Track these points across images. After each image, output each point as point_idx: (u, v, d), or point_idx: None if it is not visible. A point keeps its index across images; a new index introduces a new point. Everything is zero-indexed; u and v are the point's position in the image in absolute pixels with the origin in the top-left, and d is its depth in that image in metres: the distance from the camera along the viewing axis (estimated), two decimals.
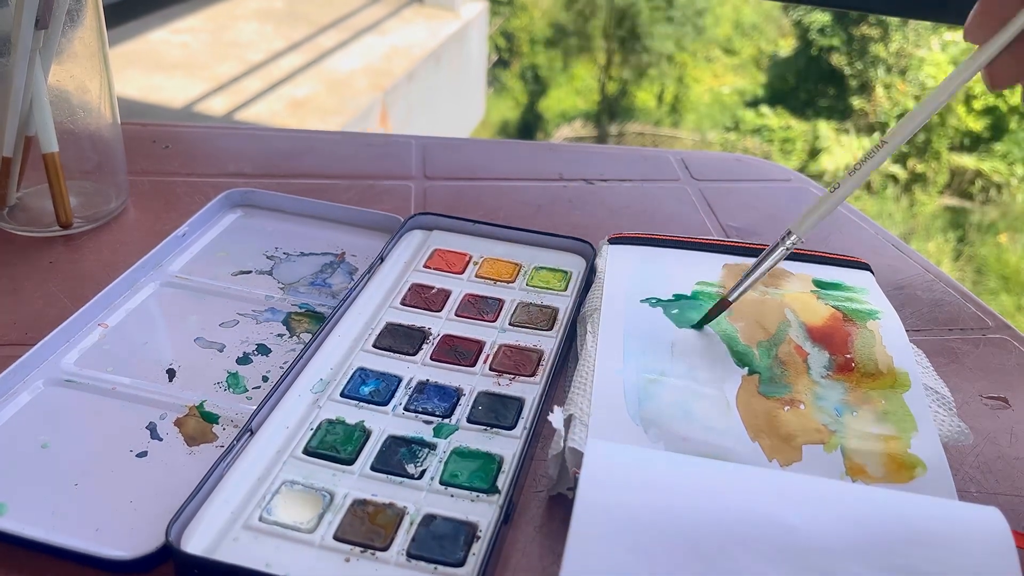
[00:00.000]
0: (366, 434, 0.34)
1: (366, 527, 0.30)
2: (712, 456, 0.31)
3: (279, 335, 0.40)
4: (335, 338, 0.38)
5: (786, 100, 4.50)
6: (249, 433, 0.33)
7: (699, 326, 0.38)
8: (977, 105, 4.02)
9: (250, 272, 0.45)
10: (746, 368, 0.36)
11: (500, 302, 0.42)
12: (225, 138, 0.60)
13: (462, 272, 0.44)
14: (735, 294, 0.37)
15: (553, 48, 4.83)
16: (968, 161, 4.01)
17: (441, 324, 0.41)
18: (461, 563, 0.29)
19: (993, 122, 4.02)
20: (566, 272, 0.45)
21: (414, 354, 0.38)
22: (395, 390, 0.36)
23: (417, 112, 3.22)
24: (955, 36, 4.18)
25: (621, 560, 0.26)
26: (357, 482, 0.32)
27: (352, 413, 0.35)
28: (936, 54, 4.24)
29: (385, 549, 0.29)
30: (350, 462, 0.32)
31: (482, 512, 0.31)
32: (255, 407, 0.34)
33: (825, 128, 4.25)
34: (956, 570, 0.26)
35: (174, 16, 3.13)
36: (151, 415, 0.35)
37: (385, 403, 0.35)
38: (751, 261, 0.44)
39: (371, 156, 0.58)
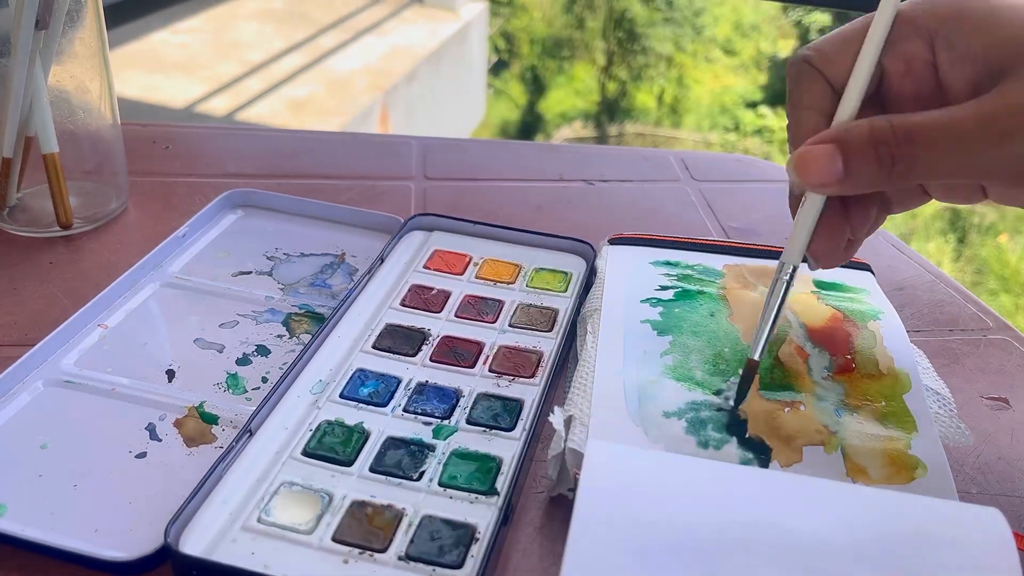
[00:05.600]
0: (365, 435, 0.34)
1: (365, 528, 0.30)
2: (712, 457, 0.31)
3: (279, 336, 0.40)
4: (335, 339, 0.38)
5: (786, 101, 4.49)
6: (248, 434, 0.33)
7: (738, 402, 0.34)
8: None
9: (250, 273, 0.45)
10: None
11: (500, 303, 0.42)
12: (225, 138, 0.60)
13: (462, 273, 0.44)
14: (757, 351, 0.33)
15: (551, 58, 4.83)
16: None
17: (441, 325, 0.40)
18: (460, 565, 0.29)
19: None
20: (566, 273, 0.45)
21: (414, 355, 0.38)
22: (394, 391, 0.36)
23: (417, 112, 3.22)
24: None
25: (621, 561, 0.26)
26: (356, 483, 0.32)
27: (351, 414, 0.35)
28: None
29: (384, 551, 0.29)
30: (349, 463, 0.32)
31: (481, 514, 0.31)
32: (254, 408, 0.34)
33: None
34: (957, 571, 0.26)
35: (174, 16, 3.13)
36: (150, 416, 0.35)
37: (384, 404, 0.35)
38: (751, 262, 0.44)
39: (371, 156, 0.58)
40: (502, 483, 0.32)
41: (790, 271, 0.33)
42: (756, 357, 0.33)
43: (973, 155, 0.28)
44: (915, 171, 0.28)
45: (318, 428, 0.34)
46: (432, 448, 0.33)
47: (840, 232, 0.32)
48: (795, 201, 0.33)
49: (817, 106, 0.32)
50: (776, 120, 4.42)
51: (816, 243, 0.33)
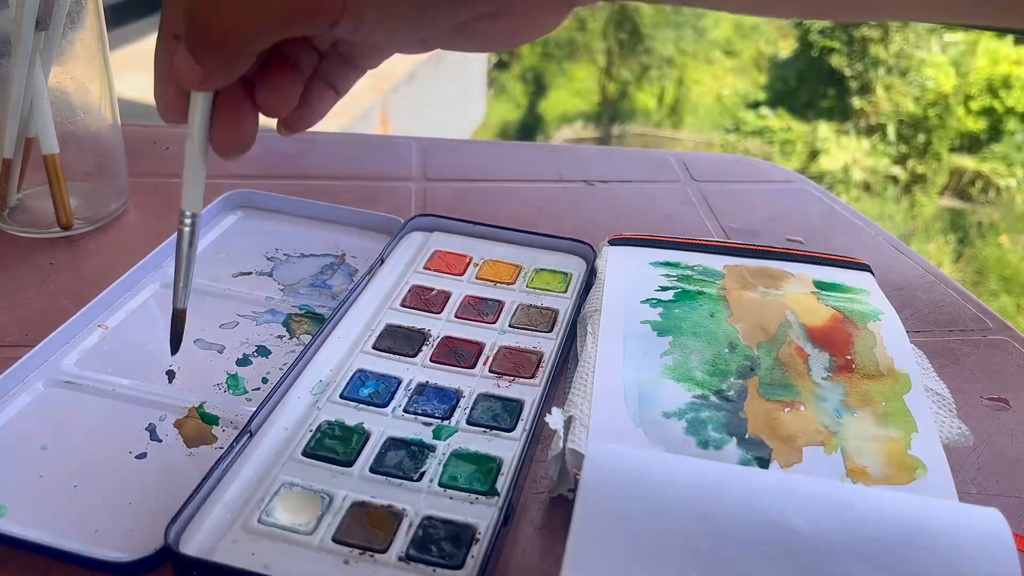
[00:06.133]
0: (365, 436, 0.34)
1: (365, 529, 0.30)
2: (712, 457, 0.31)
3: (279, 336, 0.40)
4: (335, 340, 0.38)
5: (787, 101, 4.50)
6: (248, 435, 0.33)
7: (173, 350, 0.32)
8: (975, 106, 4.02)
9: (250, 273, 0.45)
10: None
11: (500, 304, 0.42)
12: None
13: (462, 274, 0.44)
14: (179, 301, 0.31)
15: (552, 59, 4.84)
16: (968, 162, 4.01)
17: (441, 326, 0.40)
18: (460, 565, 0.29)
19: (992, 123, 4.02)
20: (566, 274, 0.45)
21: (414, 356, 0.38)
22: (395, 392, 0.36)
23: (417, 113, 3.22)
24: (955, 38, 4.18)
25: (622, 562, 0.26)
26: (356, 484, 0.32)
27: (351, 415, 0.35)
28: (936, 55, 4.24)
29: (384, 551, 0.29)
30: (349, 464, 0.32)
31: (481, 514, 0.31)
32: (254, 409, 0.34)
33: (826, 129, 4.25)
34: (956, 572, 0.26)
35: None
36: (151, 416, 0.35)
37: (384, 405, 0.35)
38: (751, 262, 0.44)
39: (371, 157, 0.58)
40: (502, 483, 0.32)
41: (189, 221, 0.30)
42: (180, 306, 0.31)
43: (272, 4, 0.24)
44: (235, 38, 0.25)
45: (318, 429, 0.34)
46: (432, 449, 0.33)
47: (242, 118, 0.28)
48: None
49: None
50: (776, 121, 4.42)
51: (218, 135, 0.28)
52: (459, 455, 0.33)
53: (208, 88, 0.27)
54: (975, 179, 3.98)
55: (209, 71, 0.26)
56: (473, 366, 0.38)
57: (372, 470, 0.32)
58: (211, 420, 0.35)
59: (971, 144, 4.04)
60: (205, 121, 0.28)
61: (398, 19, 0.25)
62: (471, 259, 0.45)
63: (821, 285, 0.42)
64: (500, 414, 0.35)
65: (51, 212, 0.46)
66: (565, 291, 0.44)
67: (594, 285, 0.42)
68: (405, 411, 0.35)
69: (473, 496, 0.31)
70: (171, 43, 0.27)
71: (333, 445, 0.33)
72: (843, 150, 4.13)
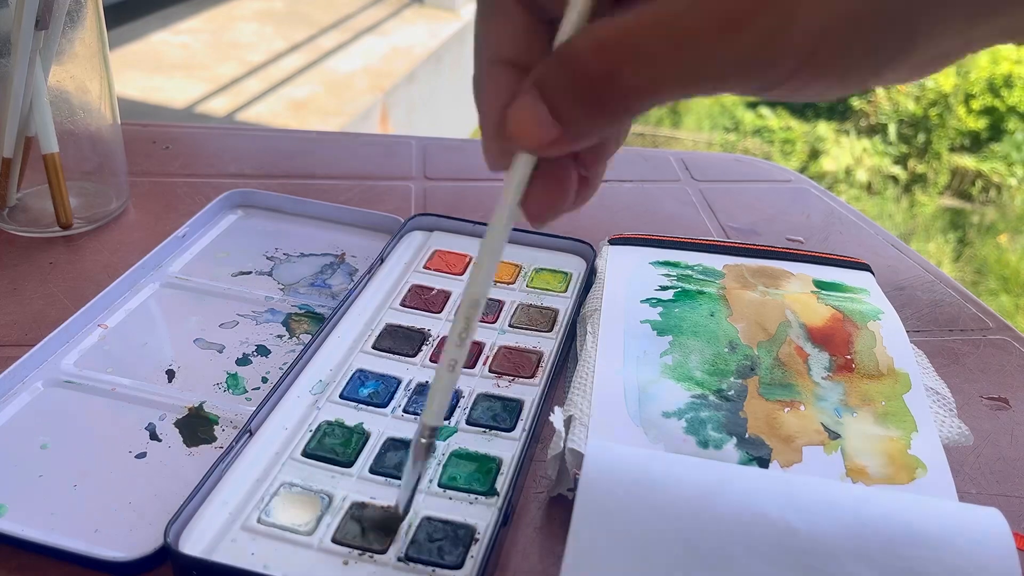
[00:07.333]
0: (365, 436, 0.34)
1: (364, 529, 0.30)
2: (712, 457, 0.31)
3: (279, 336, 0.40)
4: (334, 339, 0.38)
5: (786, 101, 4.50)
6: (248, 434, 0.33)
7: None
8: (976, 105, 4.02)
9: (250, 273, 0.45)
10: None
11: (500, 303, 0.42)
12: (225, 139, 0.60)
13: (462, 273, 0.44)
14: (402, 506, 0.29)
15: None
16: (968, 162, 4.01)
17: (441, 326, 0.40)
18: (459, 565, 0.29)
19: (993, 122, 4.02)
20: (566, 273, 0.45)
21: (414, 356, 0.38)
22: (394, 392, 0.36)
23: (418, 113, 3.22)
24: None
25: (621, 561, 0.26)
26: (356, 484, 0.32)
27: (351, 415, 0.35)
28: None
29: (383, 552, 0.29)
30: (349, 464, 0.32)
31: (481, 514, 0.31)
32: (254, 408, 0.34)
33: (825, 129, 4.25)
34: (956, 571, 0.26)
35: (175, 17, 3.13)
36: (150, 416, 0.35)
37: (384, 405, 0.35)
38: (751, 262, 0.44)
39: (371, 156, 0.58)
40: (502, 484, 0.32)
41: (428, 434, 0.27)
42: (402, 513, 0.29)
43: (699, 57, 0.20)
44: (637, 95, 0.21)
45: (318, 429, 0.34)
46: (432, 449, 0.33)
47: (564, 185, 0.24)
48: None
49: (505, 56, 0.23)
50: (776, 120, 4.42)
51: (534, 203, 0.24)
52: (459, 455, 0.33)
53: (554, 152, 0.22)
54: (975, 179, 3.98)
55: (569, 133, 0.21)
56: (473, 366, 0.38)
57: (372, 470, 0.32)
58: (211, 420, 0.35)
59: (972, 143, 4.04)
60: (521, 190, 0.23)
61: (856, 73, 0.20)
62: (471, 258, 0.45)
63: (821, 285, 0.42)
64: (500, 414, 0.35)
65: (51, 212, 0.46)
66: (565, 291, 0.44)
67: (594, 285, 0.42)
68: (405, 411, 0.35)
69: (473, 496, 0.31)
70: (505, 74, 0.23)
71: (333, 445, 0.33)
72: (843, 150, 4.14)
